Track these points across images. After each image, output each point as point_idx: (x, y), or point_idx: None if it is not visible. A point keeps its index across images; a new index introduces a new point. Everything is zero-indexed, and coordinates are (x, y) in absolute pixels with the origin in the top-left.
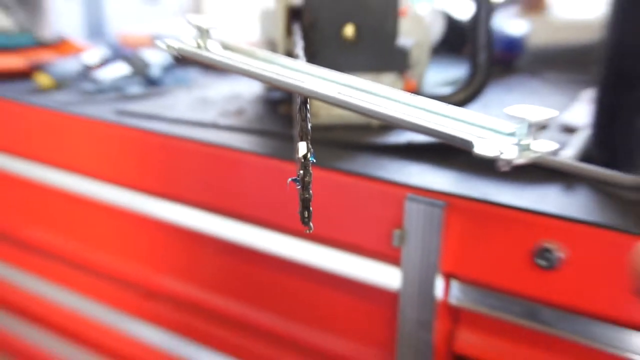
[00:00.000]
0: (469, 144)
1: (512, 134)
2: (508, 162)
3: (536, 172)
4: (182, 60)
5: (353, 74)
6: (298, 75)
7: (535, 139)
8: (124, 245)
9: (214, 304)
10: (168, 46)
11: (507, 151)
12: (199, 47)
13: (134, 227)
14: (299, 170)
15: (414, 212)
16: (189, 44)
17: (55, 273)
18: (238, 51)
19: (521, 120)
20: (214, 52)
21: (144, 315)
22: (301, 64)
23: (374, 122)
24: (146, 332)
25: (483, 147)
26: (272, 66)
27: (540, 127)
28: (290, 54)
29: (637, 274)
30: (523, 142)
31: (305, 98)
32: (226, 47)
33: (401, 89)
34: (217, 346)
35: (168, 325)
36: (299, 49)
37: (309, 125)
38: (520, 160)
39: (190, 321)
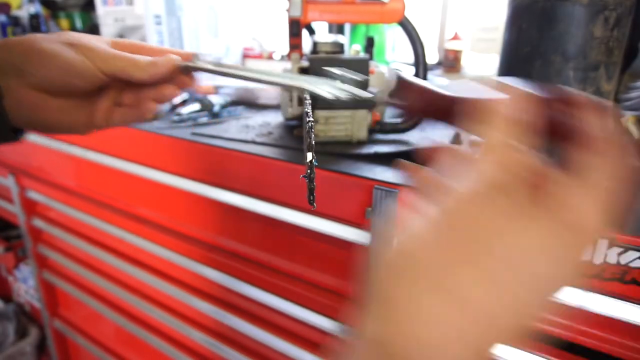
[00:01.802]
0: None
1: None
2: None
3: None
4: (235, 102)
5: (340, 110)
6: (259, 75)
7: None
8: (195, 216)
9: (251, 254)
10: (194, 60)
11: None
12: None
13: (202, 205)
14: (307, 169)
15: (378, 197)
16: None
17: (151, 234)
18: (230, 67)
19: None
20: (209, 65)
21: (206, 262)
22: (260, 66)
23: (354, 138)
24: (208, 272)
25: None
26: (248, 72)
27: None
28: (300, 97)
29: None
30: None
31: (311, 124)
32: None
33: (370, 121)
34: (252, 281)
35: (222, 267)
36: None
37: (313, 142)
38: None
39: (235, 265)
